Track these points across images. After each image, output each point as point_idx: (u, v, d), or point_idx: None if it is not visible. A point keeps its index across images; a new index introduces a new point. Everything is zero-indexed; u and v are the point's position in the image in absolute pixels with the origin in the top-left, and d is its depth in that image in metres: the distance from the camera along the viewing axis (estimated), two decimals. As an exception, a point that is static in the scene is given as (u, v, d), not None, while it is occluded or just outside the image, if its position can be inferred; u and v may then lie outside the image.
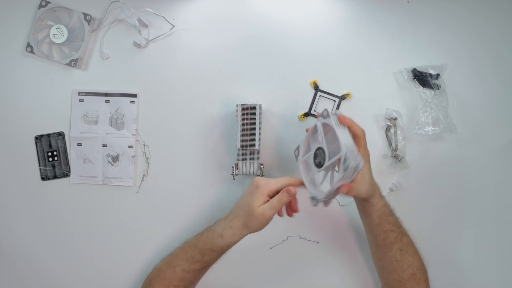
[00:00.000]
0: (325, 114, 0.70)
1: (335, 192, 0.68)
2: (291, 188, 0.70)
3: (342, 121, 0.68)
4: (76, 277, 0.88)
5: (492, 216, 0.87)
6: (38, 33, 0.86)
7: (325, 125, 0.70)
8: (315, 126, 0.72)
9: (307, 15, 0.87)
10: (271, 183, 0.71)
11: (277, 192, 0.71)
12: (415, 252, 0.76)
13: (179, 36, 0.88)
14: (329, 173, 0.71)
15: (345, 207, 0.87)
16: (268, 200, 0.71)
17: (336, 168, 0.69)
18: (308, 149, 0.74)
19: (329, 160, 0.67)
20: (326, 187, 0.69)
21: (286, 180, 0.72)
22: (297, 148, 0.76)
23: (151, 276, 0.79)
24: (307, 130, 0.75)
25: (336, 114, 0.69)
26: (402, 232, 0.75)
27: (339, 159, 0.65)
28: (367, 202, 0.73)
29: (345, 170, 0.63)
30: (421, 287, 0.75)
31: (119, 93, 0.87)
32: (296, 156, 0.76)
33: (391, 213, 0.75)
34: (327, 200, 0.70)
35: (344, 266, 0.87)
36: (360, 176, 0.69)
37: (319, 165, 0.70)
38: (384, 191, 0.86)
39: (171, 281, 0.75)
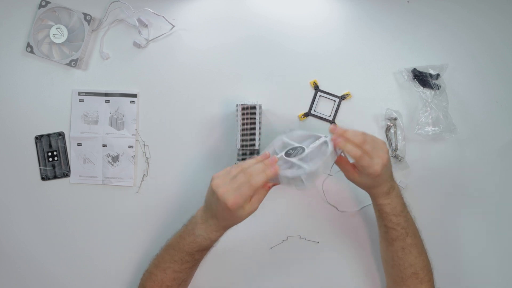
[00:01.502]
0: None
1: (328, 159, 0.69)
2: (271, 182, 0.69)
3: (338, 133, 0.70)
4: (76, 277, 0.88)
5: (492, 216, 0.87)
6: (38, 33, 0.86)
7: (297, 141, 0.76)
8: (282, 141, 0.76)
9: (307, 15, 0.87)
10: (241, 202, 0.65)
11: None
12: (420, 253, 0.75)
13: (179, 36, 0.88)
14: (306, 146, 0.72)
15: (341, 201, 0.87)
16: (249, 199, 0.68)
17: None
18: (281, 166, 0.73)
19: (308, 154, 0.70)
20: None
21: (256, 185, 0.66)
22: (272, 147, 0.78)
23: (143, 279, 0.78)
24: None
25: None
26: (406, 233, 0.74)
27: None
28: (370, 193, 0.74)
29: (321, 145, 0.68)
30: (423, 287, 0.74)
31: (119, 93, 0.87)
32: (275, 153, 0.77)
33: (394, 214, 0.73)
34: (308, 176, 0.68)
35: (344, 266, 0.87)
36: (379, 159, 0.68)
37: (293, 155, 0.71)
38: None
39: (163, 282, 0.75)
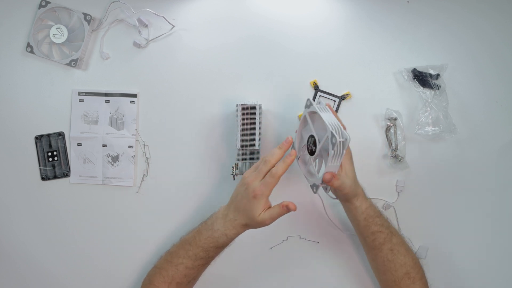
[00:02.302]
0: (308, 104, 0.73)
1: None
2: (291, 205, 0.70)
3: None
4: (76, 277, 0.88)
5: (492, 216, 0.87)
6: (38, 33, 0.86)
7: (312, 115, 0.73)
8: (304, 117, 0.74)
9: (307, 15, 0.87)
10: (265, 192, 0.70)
11: (270, 193, 0.72)
12: (407, 251, 0.77)
13: (179, 36, 0.88)
14: (323, 159, 0.72)
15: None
16: (267, 206, 0.72)
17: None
18: (301, 142, 0.76)
19: (319, 143, 0.70)
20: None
21: (272, 179, 0.71)
22: (292, 146, 0.77)
23: (151, 274, 0.78)
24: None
25: (319, 103, 0.73)
26: (391, 232, 0.76)
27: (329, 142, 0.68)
28: (351, 203, 0.75)
29: (333, 146, 0.66)
30: (416, 286, 0.75)
31: (119, 93, 0.87)
32: (296, 150, 0.78)
33: (377, 215, 0.76)
34: (326, 186, 0.72)
35: (344, 266, 0.87)
36: (344, 172, 0.72)
37: (311, 152, 0.72)
38: (392, 194, 0.86)
39: (174, 278, 0.75)
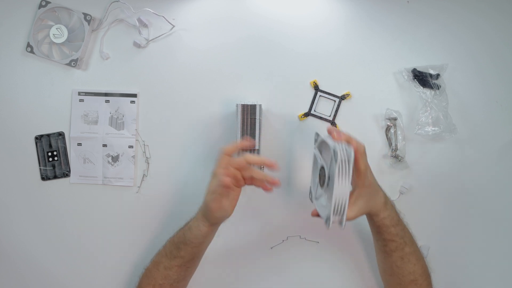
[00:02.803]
0: (316, 138, 0.71)
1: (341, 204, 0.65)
2: (218, 172, 0.67)
3: (338, 137, 0.66)
4: (76, 277, 0.88)
5: (492, 216, 0.87)
6: (38, 33, 0.86)
7: (321, 147, 0.70)
8: (314, 156, 0.72)
9: (307, 15, 0.87)
10: (216, 168, 0.69)
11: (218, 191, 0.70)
12: (418, 259, 0.75)
13: (179, 36, 0.88)
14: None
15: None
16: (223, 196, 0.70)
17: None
18: (315, 178, 0.73)
19: (327, 168, 0.66)
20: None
21: (221, 150, 0.69)
22: (310, 190, 0.75)
23: (141, 276, 0.79)
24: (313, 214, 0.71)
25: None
26: (404, 242, 0.73)
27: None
28: (371, 212, 0.72)
29: (337, 162, 0.61)
30: None
31: (119, 93, 0.87)
32: (311, 199, 0.75)
33: (393, 224, 0.72)
34: (341, 219, 0.65)
35: (344, 266, 0.87)
36: (357, 196, 0.68)
37: (323, 183, 0.68)
38: (392, 194, 0.85)
39: (156, 280, 0.75)
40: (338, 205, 0.64)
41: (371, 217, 0.72)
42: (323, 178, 0.68)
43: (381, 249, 0.76)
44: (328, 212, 0.64)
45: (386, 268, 0.77)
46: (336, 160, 0.61)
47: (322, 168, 0.68)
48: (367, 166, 0.68)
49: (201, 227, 0.72)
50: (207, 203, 0.70)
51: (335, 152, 0.62)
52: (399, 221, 0.73)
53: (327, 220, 0.65)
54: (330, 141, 0.65)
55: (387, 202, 0.72)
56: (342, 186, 0.63)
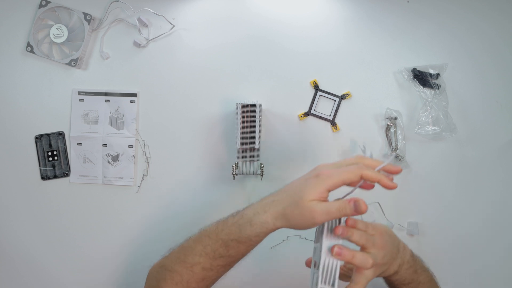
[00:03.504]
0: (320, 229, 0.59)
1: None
2: (362, 203, 0.53)
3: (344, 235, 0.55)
4: (76, 277, 0.88)
5: (492, 216, 0.86)
6: (38, 32, 0.86)
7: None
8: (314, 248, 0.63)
9: (307, 15, 0.87)
10: (335, 176, 0.54)
11: (339, 185, 0.55)
12: None
13: (179, 36, 0.88)
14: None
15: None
16: (325, 197, 0.54)
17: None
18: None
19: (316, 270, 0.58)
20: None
21: (352, 173, 0.54)
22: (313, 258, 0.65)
23: (160, 277, 0.64)
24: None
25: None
26: (417, 286, 0.64)
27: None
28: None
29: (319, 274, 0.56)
30: None
31: (119, 93, 0.87)
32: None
33: (404, 283, 0.63)
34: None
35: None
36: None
37: (315, 264, 0.60)
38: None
39: (189, 284, 0.61)
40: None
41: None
42: (316, 259, 0.60)
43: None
44: None
45: None
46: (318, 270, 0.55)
47: (316, 249, 0.60)
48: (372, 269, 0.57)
49: (269, 225, 0.56)
50: (313, 215, 0.53)
51: (317, 283, 0.55)
52: (413, 280, 0.63)
53: None
54: (323, 251, 0.56)
55: (400, 270, 0.61)
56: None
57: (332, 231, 0.56)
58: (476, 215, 0.86)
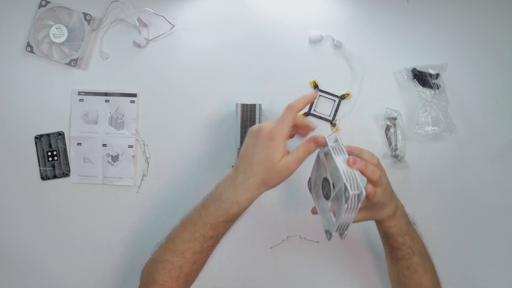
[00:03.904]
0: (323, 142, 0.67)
1: (346, 219, 0.64)
2: (318, 137, 0.62)
3: (353, 165, 0.62)
4: (75, 277, 0.88)
5: (492, 216, 0.87)
6: (38, 32, 0.86)
7: (327, 154, 0.66)
8: (318, 156, 0.69)
9: (307, 15, 0.87)
10: (284, 130, 0.62)
11: (288, 133, 0.63)
12: (426, 271, 0.72)
13: (179, 36, 0.88)
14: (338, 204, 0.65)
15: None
16: (285, 148, 0.62)
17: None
18: (318, 177, 0.71)
19: (333, 189, 0.63)
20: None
21: (291, 117, 0.63)
22: (309, 180, 0.74)
23: (152, 270, 0.67)
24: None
25: (336, 140, 0.66)
26: (412, 252, 0.70)
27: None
28: (375, 219, 0.69)
29: (346, 199, 0.59)
30: None
31: (119, 93, 0.87)
32: (310, 188, 0.74)
33: (400, 234, 0.69)
34: (341, 233, 0.65)
35: (345, 266, 0.87)
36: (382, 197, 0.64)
37: (327, 196, 0.66)
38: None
39: (182, 269, 0.65)
40: (341, 227, 0.64)
41: (377, 222, 0.71)
42: (327, 191, 0.65)
43: (388, 254, 0.74)
44: (328, 224, 0.66)
45: (393, 275, 0.75)
46: (346, 199, 0.59)
47: (326, 179, 0.65)
48: (382, 187, 0.64)
49: (254, 196, 0.63)
50: (289, 168, 0.61)
51: (346, 188, 0.59)
52: (408, 231, 0.69)
53: (327, 232, 0.66)
54: (340, 166, 0.62)
55: (396, 213, 0.68)
56: (347, 218, 0.62)
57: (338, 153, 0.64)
58: (476, 215, 0.87)
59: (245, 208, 0.64)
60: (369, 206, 0.66)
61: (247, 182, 0.63)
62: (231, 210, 0.63)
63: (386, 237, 0.71)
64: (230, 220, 0.65)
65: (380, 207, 0.66)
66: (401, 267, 0.72)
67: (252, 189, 0.63)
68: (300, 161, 0.62)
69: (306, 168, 0.72)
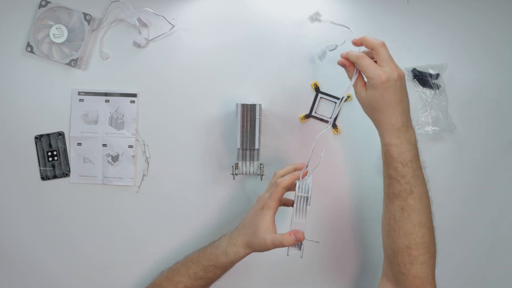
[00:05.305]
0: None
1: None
2: (300, 234, 0.67)
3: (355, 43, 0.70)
4: (75, 277, 0.88)
5: (492, 216, 0.87)
6: (38, 33, 0.86)
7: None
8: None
9: (307, 15, 0.87)
10: (272, 204, 0.70)
11: (277, 205, 0.71)
12: (420, 223, 0.64)
13: (179, 36, 0.88)
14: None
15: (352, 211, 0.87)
16: (272, 220, 0.70)
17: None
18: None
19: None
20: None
21: (279, 193, 0.70)
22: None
23: None
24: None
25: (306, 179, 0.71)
26: (410, 189, 0.64)
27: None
28: (378, 126, 0.66)
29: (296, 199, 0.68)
30: (415, 268, 0.64)
31: (119, 93, 0.87)
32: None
33: (401, 161, 0.63)
34: (300, 248, 0.70)
35: (345, 266, 0.87)
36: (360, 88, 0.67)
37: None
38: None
39: None
40: (297, 239, 0.68)
41: (380, 137, 0.66)
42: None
43: (385, 193, 0.68)
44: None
45: (385, 223, 0.69)
46: (295, 200, 0.67)
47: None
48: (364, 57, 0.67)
49: (240, 253, 0.71)
50: (266, 243, 0.68)
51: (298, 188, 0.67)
52: (410, 162, 0.64)
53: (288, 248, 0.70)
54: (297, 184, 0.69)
55: (401, 131, 0.63)
56: (299, 223, 0.68)
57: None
58: (476, 215, 0.87)
59: (232, 262, 0.71)
60: (372, 86, 0.64)
61: (237, 238, 0.72)
62: (220, 258, 0.71)
63: (387, 162, 0.66)
64: (219, 267, 0.72)
65: (382, 107, 0.64)
66: (394, 207, 0.65)
67: (238, 246, 0.71)
68: (275, 245, 0.68)
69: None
